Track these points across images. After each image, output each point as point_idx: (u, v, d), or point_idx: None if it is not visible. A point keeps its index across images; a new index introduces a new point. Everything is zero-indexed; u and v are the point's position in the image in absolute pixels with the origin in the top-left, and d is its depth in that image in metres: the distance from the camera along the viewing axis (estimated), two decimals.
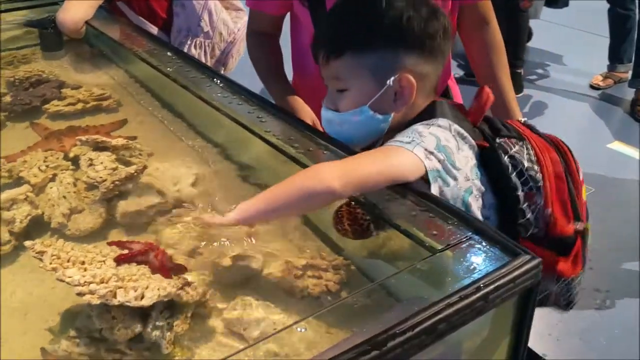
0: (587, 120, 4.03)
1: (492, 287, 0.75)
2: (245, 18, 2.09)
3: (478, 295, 0.74)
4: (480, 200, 1.05)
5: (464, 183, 1.02)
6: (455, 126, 1.05)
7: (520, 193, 1.06)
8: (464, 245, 0.84)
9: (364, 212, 0.98)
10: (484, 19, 1.52)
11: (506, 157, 1.06)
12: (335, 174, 0.93)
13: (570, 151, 1.15)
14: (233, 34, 2.08)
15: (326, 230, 1.10)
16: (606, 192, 3.09)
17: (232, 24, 2.07)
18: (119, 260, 0.94)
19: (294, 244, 1.10)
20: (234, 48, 2.09)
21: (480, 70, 1.55)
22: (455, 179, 1.00)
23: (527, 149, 1.09)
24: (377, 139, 1.14)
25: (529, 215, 1.06)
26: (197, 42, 1.97)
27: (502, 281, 0.76)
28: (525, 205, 1.06)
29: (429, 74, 1.09)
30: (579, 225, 1.08)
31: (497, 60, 1.51)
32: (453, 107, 1.12)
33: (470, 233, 0.85)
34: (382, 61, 1.06)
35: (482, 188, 1.06)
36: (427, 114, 1.09)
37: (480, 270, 0.78)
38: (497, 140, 1.09)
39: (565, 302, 1.18)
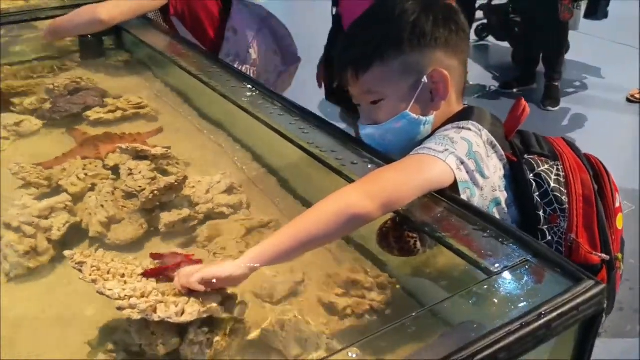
0: (626, 135, 3.92)
1: (555, 314, 0.70)
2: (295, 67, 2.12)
3: (540, 322, 0.69)
4: (507, 213, 1.03)
5: (491, 193, 1.01)
6: (487, 132, 1.03)
7: (541, 213, 1.03)
8: (522, 268, 0.79)
9: (410, 229, 0.94)
10: None
11: (531, 175, 1.04)
12: (366, 195, 0.90)
13: (608, 175, 1.11)
14: (278, 69, 2.08)
15: (364, 242, 1.06)
16: None
17: (280, 58, 2.07)
18: (146, 275, 0.91)
19: (333, 254, 1.07)
20: (278, 83, 2.09)
21: None
22: (482, 188, 0.99)
23: (557, 169, 1.06)
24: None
25: (549, 238, 1.03)
26: (243, 68, 1.98)
27: (565, 308, 0.71)
28: (546, 226, 1.03)
29: (456, 67, 1.10)
30: (604, 256, 1.02)
31: None
32: (492, 114, 1.12)
33: (528, 255, 0.81)
34: (409, 64, 1.08)
35: (509, 201, 1.03)
36: (465, 118, 1.07)
37: (540, 295, 0.73)
38: (526, 156, 1.06)
39: None
